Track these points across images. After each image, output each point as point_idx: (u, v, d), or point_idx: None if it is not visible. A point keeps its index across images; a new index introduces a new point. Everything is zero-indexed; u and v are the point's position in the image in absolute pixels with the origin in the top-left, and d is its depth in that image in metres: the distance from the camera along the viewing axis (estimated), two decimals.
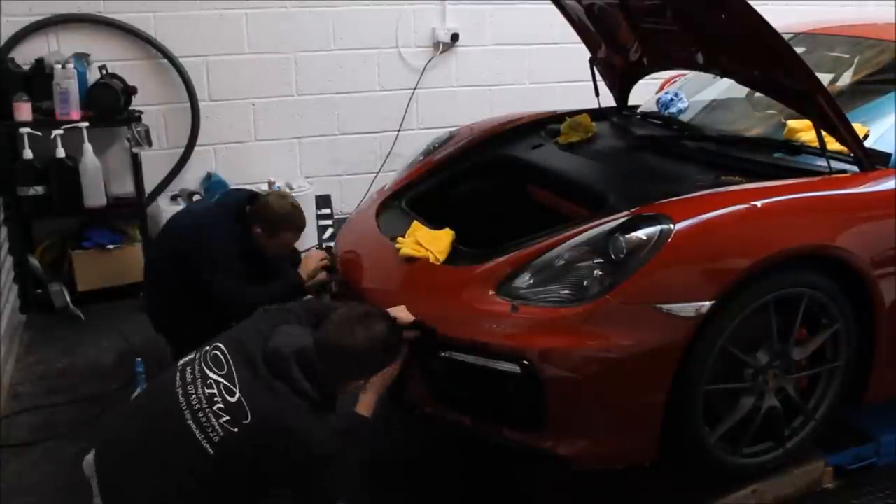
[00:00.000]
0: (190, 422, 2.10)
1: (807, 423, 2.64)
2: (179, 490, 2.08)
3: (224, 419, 2.09)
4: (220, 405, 2.11)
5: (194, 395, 2.14)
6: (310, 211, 4.77)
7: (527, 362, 2.30)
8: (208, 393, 2.14)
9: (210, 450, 2.07)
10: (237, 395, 2.12)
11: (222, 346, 2.25)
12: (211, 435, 2.08)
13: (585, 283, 2.36)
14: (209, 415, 2.10)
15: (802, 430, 2.64)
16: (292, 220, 3.19)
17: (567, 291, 2.38)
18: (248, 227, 3.17)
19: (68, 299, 4.22)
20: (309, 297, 3.26)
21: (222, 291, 3.08)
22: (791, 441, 2.63)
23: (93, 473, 2.21)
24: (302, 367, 2.19)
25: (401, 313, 2.46)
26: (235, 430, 2.08)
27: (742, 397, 2.50)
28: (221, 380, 2.15)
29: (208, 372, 2.19)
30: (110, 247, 4.32)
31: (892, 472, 2.83)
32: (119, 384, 3.48)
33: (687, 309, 2.28)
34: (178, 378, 2.22)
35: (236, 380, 2.15)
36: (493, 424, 2.46)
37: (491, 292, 2.47)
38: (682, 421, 2.39)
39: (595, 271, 2.36)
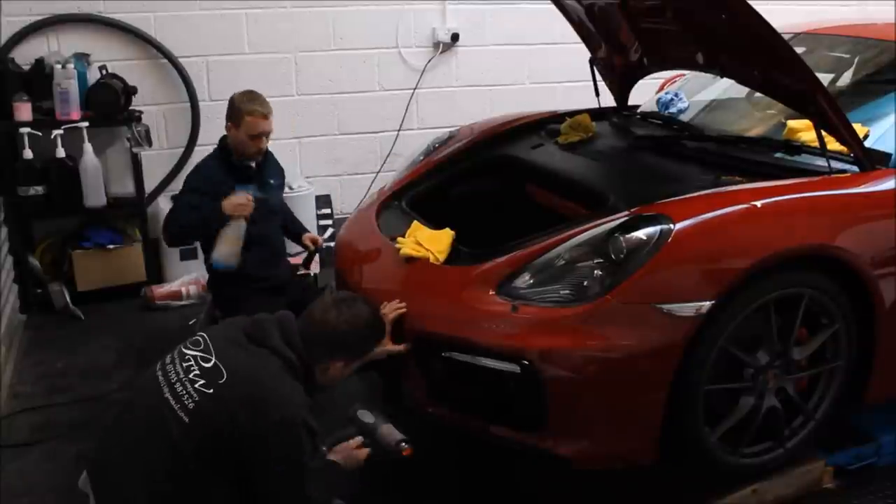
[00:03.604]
0: (167, 394, 2.10)
1: (807, 423, 2.64)
2: (165, 473, 2.04)
3: (199, 383, 2.08)
4: (196, 372, 2.11)
5: (172, 371, 2.15)
6: (310, 211, 4.78)
7: (527, 362, 2.30)
8: (185, 366, 2.14)
9: (185, 418, 2.05)
10: (213, 361, 2.12)
11: (204, 333, 2.27)
12: (186, 402, 2.06)
13: (585, 283, 2.36)
14: (185, 383, 2.10)
15: (802, 430, 2.64)
16: (251, 103, 3.32)
17: (567, 291, 2.38)
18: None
19: (68, 299, 4.22)
20: None
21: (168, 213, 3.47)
22: (791, 441, 2.63)
23: (88, 489, 2.19)
24: (283, 333, 2.20)
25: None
26: (210, 391, 2.06)
27: (742, 397, 2.50)
28: (198, 353, 2.16)
29: (186, 351, 2.20)
30: (110, 247, 4.32)
31: (892, 472, 2.83)
32: (119, 384, 3.48)
33: (687, 309, 2.28)
34: (158, 365, 2.22)
35: (212, 349, 2.16)
36: (493, 424, 2.46)
37: (491, 292, 2.47)
38: (682, 421, 2.39)
39: (595, 271, 2.36)
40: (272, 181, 3.53)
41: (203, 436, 2.04)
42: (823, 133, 2.69)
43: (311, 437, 2.10)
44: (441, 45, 5.11)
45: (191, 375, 2.11)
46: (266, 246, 3.46)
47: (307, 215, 4.65)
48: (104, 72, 4.26)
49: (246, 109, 3.30)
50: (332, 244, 3.71)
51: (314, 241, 3.63)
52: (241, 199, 3.23)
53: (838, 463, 2.78)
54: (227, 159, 3.39)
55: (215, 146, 3.47)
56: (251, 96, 3.37)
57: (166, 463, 2.04)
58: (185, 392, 2.08)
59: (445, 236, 2.78)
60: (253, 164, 3.43)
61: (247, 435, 2.03)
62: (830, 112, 2.64)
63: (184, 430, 2.04)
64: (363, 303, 2.36)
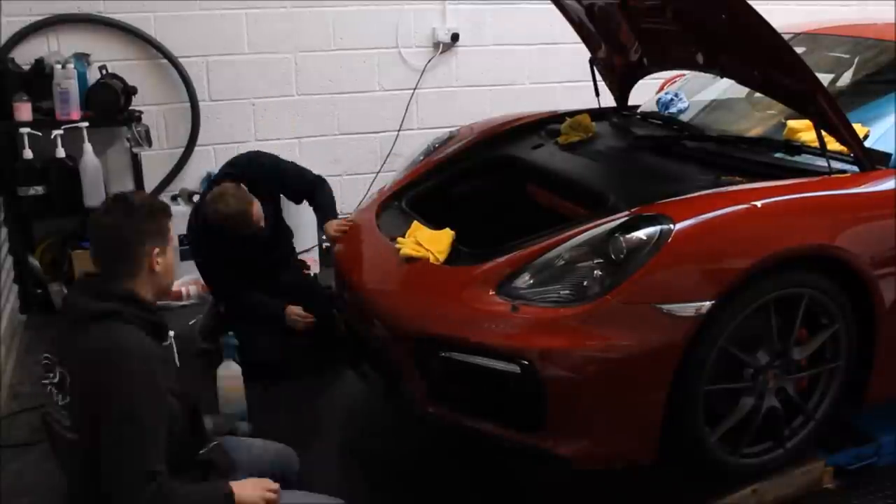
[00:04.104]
0: (54, 426, 2.02)
1: (807, 423, 2.64)
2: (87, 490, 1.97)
3: (58, 398, 1.97)
4: (52, 388, 2.00)
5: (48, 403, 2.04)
6: (310, 211, 4.77)
7: (526, 362, 2.30)
8: (47, 391, 2.03)
9: (68, 435, 1.96)
10: (56, 368, 1.99)
11: (48, 352, 2.11)
12: (63, 421, 1.97)
13: (585, 283, 2.36)
14: (55, 408, 1.99)
15: (802, 430, 2.64)
16: (229, 225, 3.35)
17: (567, 291, 2.38)
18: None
19: None
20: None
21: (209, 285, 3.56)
22: (791, 441, 2.63)
23: None
24: (87, 290, 2.01)
25: None
26: (67, 399, 1.95)
27: (742, 397, 2.50)
28: (48, 369, 2.03)
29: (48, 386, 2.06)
30: None
31: (892, 472, 2.83)
32: None
33: (687, 309, 2.28)
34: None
35: (53, 357, 2.02)
36: (493, 424, 2.46)
37: (491, 292, 2.47)
38: (682, 421, 2.39)
39: (595, 271, 2.36)
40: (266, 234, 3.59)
41: (89, 439, 1.90)
42: (823, 133, 2.69)
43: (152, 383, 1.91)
44: (441, 45, 5.11)
45: (52, 399, 2.00)
46: (274, 253, 3.51)
47: (307, 216, 4.64)
48: (104, 72, 4.25)
49: (229, 228, 3.33)
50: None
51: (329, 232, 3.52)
52: (302, 321, 3.50)
53: (838, 463, 2.78)
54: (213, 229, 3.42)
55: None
56: (222, 222, 3.34)
57: (86, 478, 1.94)
58: (58, 417, 1.99)
59: (445, 236, 2.78)
60: None
61: (112, 408, 1.87)
62: (830, 112, 2.64)
63: (75, 445, 1.95)
64: (133, 194, 2.19)
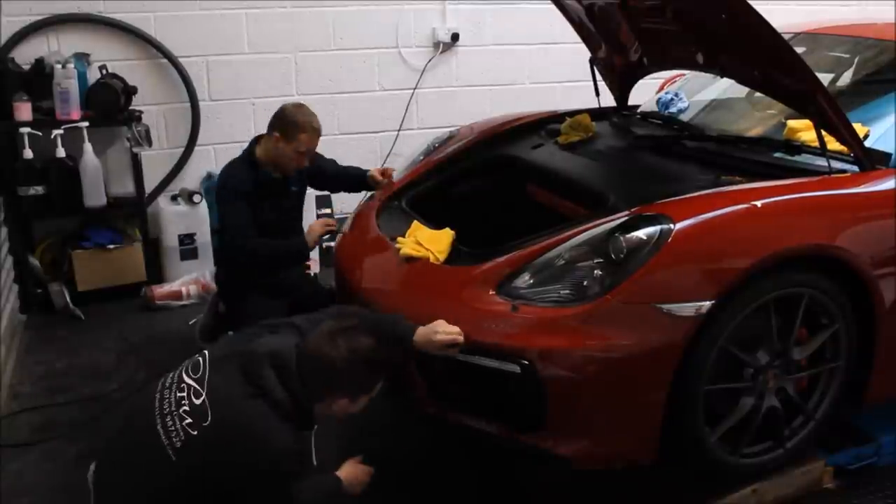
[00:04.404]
0: (158, 427, 2.06)
1: (807, 423, 2.64)
2: (151, 501, 2.03)
3: (187, 422, 2.04)
4: (186, 408, 2.06)
5: (166, 400, 2.10)
6: (310, 211, 4.77)
7: (526, 362, 2.30)
8: (178, 396, 2.09)
9: (172, 456, 2.02)
10: (203, 398, 2.06)
11: (206, 352, 2.21)
12: (174, 440, 2.03)
13: (585, 283, 2.36)
14: (175, 418, 2.06)
15: (802, 430, 2.64)
16: (308, 122, 3.25)
17: (567, 291, 2.38)
18: (257, 162, 3.31)
19: (68, 299, 4.22)
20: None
21: (227, 228, 3.32)
22: (791, 441, 2.63)
23: (91, 485, 2.20)
24: (275, 369, 2.09)
25: (441, 331, 2.37)
26: (195, 433, 2.02)
27: (742, 397, 2.50)
28: (193, 384, 2.11)
29: (184, 376, 2.15)
30: (110, 247, 4.32)
31: (892, 472, 2.83)
32: (119, 384, 3.48)
33: (687, 309, 2.28)
34: (159, 384, 2.19)
35: (206, 382, 2.10)
36: (493, 424, 2.46)
37: (491, 292, 2.47)
38: (682, 421, 2.39)
39: (595, 271, 2.36)
40: (293, 188, 3.49)
41: (189, 474, 2.01)
42: (823, 133, 2.69)
43: (296, 480, 2.08)
44: (441, 45, 5.11)
45: (181, 411, 2.06)
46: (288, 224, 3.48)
47: (307, 216, 4.64)
48: (104, 72, 4.26)
49: (303, 125, 3.21)
50: (332, 244, 3.71)
51: (383, 173, 3.49)
52: (323, 226, 3.33)
53: (838, 463, 2.78)
54: (254, 168, 3.32)
55: (243, 151, 3.39)
56: (308, 111, 3.27)
57: (160, 493, 2.02)
58: (174, 428, 2.05)
59: (445, 236, 2.78)
60: (279, 176, 3.36)
61: (230, 479, 2.01)
62: (830, 112, 2.64)
63: (171, 467, 2.02)
64: (364, 334, 2.18)
